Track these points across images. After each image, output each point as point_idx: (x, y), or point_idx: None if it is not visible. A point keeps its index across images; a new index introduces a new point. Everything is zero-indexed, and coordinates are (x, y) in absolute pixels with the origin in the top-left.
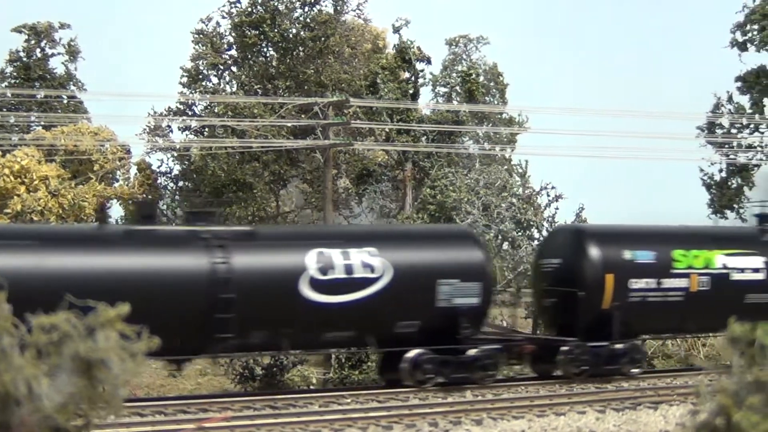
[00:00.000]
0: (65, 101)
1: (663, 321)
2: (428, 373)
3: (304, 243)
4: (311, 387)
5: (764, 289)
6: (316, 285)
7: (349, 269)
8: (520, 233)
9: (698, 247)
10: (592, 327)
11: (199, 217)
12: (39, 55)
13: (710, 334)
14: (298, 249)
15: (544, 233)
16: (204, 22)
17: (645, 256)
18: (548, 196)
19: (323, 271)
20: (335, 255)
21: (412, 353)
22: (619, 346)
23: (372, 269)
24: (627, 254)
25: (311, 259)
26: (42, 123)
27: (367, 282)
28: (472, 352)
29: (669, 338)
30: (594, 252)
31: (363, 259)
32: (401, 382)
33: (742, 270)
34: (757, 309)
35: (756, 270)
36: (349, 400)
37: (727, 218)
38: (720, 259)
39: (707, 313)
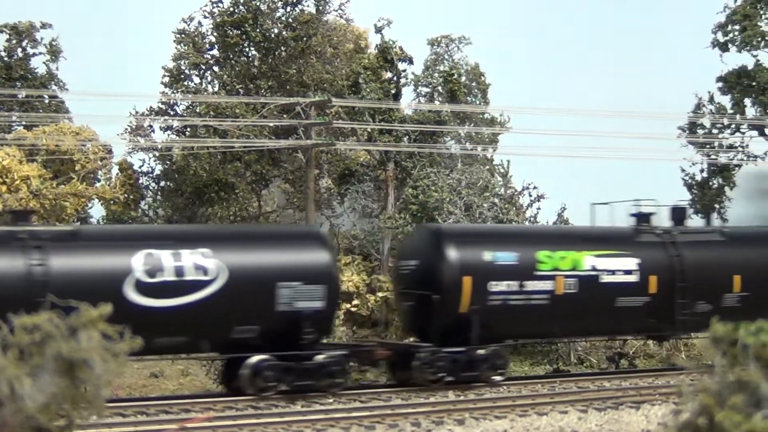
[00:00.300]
0: (47, 101)
1: (527, 325)
2: (269, 380)
3: (131, 244)
4: None
5: (637, 292)
6: (143, 288)
7: (179, 271)
8: None
9: (565, 248)
10: (450, 332)
11: (19, 216)
12: (20, 54)
13: (580, 339)
14: (124, 250)
15: None
16: (186, 22)
17: (506, 257)
18: (530, 196)
19: (151, 273)
20: (165, 256)
21: (254, 359)
22: (480, 351)
23: (205, 271)
24: (487, 255)
25: (138, 261)
26: (23, 123)
27: (199, 285)
28: (319, 358)
29: (536, 343)
30: (451, 253)
31: (196, 260)
32: (242, 391)
33: (613, 272)
34: (629, 313)
35: (628, 272)
36: (331, 400)
37: (708, 219)
38: (589, 261)
39: (575, 316)
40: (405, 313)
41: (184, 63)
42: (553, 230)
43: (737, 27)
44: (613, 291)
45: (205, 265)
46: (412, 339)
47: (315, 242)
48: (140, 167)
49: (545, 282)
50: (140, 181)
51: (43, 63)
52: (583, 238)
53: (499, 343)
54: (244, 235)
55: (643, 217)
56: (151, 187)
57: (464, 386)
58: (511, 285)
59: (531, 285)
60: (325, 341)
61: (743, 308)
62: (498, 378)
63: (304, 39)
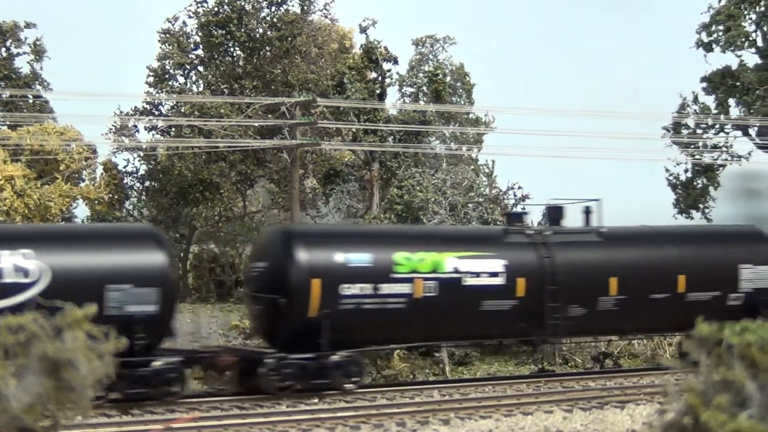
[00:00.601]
0: (31, 101)
1: (383, 330)
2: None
3: None
4: None
5: (504, 295)
6: None
7: None
8: None
9: (426, 249)
10: (299, 337)
11: None
12: (4, 54)
13: (437, 343)
14: None
15: None
16: (170, 22)
17: (360, 259)
18: (515, 196)
19: None
20: None
21: None
22: (333, 358)
23: (25, 273)
24: (339, 257)
25: None
26: (7, 123)
27: (18, 288)
28: (156, 364)
29: (394, 349)
30: (300, 255)
31: (15, 262)
32: None
33: (477, 274)
34: (496, 317)
35: (494, 274)
36: (316, 400)
37: (692, 218)
38: (451, 263)
39: (435, 321)
40: (255, 317)
41: (169, 63)
42: (414, 231)
43: (721, 27)
44: (478, 294)
45: (25, 266)
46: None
47: (149, 242)
48: (125, 167)
49: (402, 285)
50: (125, 181)
51: (27, 63)
52: (445, 239)
53: (353, 349)
54: (71, 234)
55: (515, 217)
56: (135, 187)
57: (314, 394)
58: (365, 288)
59: (387, 288)
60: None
61: (620, 312)
62: (351, 386)
63: (289, 39)
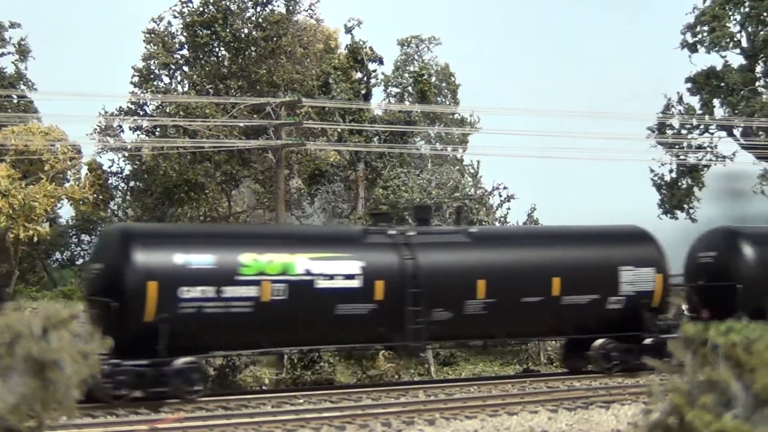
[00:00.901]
0: (15, 101)
1: (227, 335)
2: None
3: None
4: (264, 387)
5: (361, 299)
6: None
7: None
8: None
9: (275, 251)
10: (135, 343)
11: None
12: None
13: (288, 348)
14: None
15: None
16: (155, 22)
17: (202, 260)
18: (500, 196)
19: None
20: None
21: None
22: (174, 364)
23: None
24: (178, 258)
25: None
26: None
27: None
28: None
29: (240, 355)
30: (134, 256)
31: None
32: None
33: (331, 276)
34: (352, 321)
35: (350, 276)
36: (301, 401)
37: (677, 218)
38: (302, 264)
39: (286, 326)
40: (92, 322)
41: (154, 63)
42: (263, 231)
43: (706, 28)
44: (332, 298)
45: None
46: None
47: None
48: (110, 167)
49: (248, 288)
50: (109, 182)
51: (12, 62)
52: (298, 239)
53: (195, 355)
54: None
55: (380, 217)
56: (120, 188)
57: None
58: (207, 291)
59: (231, 291)
60: None
61: (489, 316)
62: (193, 395)
63: (274, 39)
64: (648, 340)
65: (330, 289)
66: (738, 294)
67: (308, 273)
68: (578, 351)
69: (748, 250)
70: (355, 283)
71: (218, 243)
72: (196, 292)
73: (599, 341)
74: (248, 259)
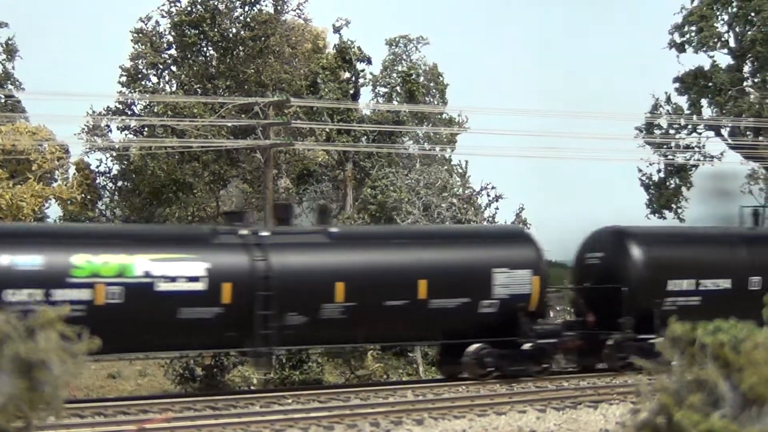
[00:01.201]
0: (3, 100)
1: None
2: None
3: None
4: (252, 387)
5: (206, 302)
6: None
7: None
8: None
9: (112, 251)
10: None
11: None
12: None
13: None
14: None
15: None
16: (143, 21)
17: (29, 261)
18: (488, 196)
19: None
20: None
21: None
22: None
23: None
24: (3, 260)
25: None
26: None
27: None
28: None
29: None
30: None
31: None
32: None
33: (174, 279)
34: (197, 326)
35: (194, 279)
36: (290, 401)
37: (665, 218)
38: (141, 266)
39: (122, 331)
40: None
41: (142, 62)
42: (99, 230)
43: (694, 28)
44: (174, 301)
45: None
46: None
47: None
48: (97, 167)
49: (81, 291)
50: (97, 181)
51: None
52: (137, 239)
53: None
54: None
55: (233, 216)
56: (108, 187)
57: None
58: (35, 294)
59: (61, 294)
60: None
61: (349, 320)
62: None
63: (262, 39)
64: (526, 346)
65: (172, 292)
66: (623, 297)
67: (148, 275)
68: (453, 357)
69: (635, 251)
70: (199, 286)
71: (48, 243)
72: (22, 295)
73: (473, 347)
74: (81, 260)
